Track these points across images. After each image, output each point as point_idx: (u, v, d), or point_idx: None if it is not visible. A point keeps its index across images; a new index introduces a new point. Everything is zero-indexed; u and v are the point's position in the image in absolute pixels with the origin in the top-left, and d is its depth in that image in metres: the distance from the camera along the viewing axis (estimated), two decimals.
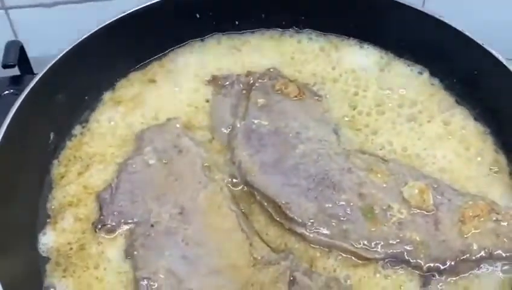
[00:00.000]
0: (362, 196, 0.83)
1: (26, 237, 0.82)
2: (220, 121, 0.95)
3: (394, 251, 0.79)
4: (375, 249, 0.79)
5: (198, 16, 1.05)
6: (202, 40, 1.08)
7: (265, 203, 0.85)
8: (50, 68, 0.91)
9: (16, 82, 1.09)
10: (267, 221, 0.84)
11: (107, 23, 0.98)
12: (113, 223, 0.82)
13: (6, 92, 1.06)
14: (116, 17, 0.98)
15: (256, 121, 0.94)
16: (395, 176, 0.86)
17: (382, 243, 0.79)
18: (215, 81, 1.01)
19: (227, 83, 1.00)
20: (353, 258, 0.80)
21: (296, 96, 0.97)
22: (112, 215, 0.83)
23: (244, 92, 0.99)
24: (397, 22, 1.02)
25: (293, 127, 0.93)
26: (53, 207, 0.87)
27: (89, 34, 0.95)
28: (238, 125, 0.93)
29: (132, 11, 0.99)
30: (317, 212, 0.82)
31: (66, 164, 0.92)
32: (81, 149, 0.94)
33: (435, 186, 0.84)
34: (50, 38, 1.12)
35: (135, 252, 0.79)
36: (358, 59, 1.04)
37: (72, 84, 0.96)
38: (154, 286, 0.75)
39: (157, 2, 1.01)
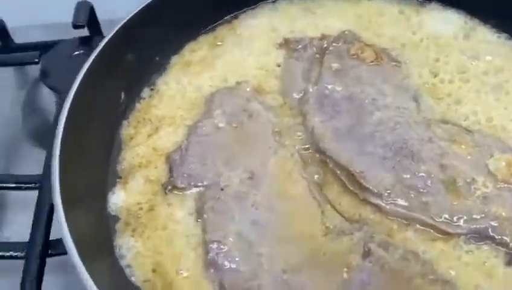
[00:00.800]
0: (444, 167, 0.79)
1: (96, 196, 0.83)
2: (292, 85, 0.92)
3: (478, 226, 0.74)
4: (457, 224, 0.74)
5: None
6: (274, 2, 1.04)
7: (338, 172, 0.82)
8: (120, 28, 0.91)
9: (86, 43, 1.10)
10: (340, 190, 0.80)
11: None
12: (183, 185, 0.81)
13: (77, 52, 1.07)
14: None
15: (329, 86, 0.90)
16: (480, 147, 0.81)
17: (465, 217, 0.75)
18: (287, 44, 0.97)
19: (300, 46, 0.97)
20: (432, 231, 0.75)
21: (372, 62, 0.93)
22: (182, 177, 0.82)
23: (317, 56, 0.96)
24: None
25: (369, 93, 0.89)
26: (123, 168, 0.87)
27: None
28: (311, 90, 0.90)
29: None
30: (395, 182, 0.78)
31: (135, 125, 0.92)
32: (150, 111, 0.93)
33: None
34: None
35: (205, 215, 0.78)
36: (440, 24, 0.98)
37: (142, 46, 0.94)
38: (224, 249, 0.74)
39: None
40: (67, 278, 0.87)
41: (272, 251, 0.74)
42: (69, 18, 1.12)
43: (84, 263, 0.67)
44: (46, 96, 1.14)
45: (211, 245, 0.75)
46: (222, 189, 0.80)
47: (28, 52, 1.14)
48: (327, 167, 0.83)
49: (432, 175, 0.78)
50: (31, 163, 1.00)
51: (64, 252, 0.80)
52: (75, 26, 1.08)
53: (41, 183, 0.89)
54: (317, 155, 0.84)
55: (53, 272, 0.85)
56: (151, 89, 0.96)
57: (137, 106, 0.94)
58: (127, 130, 0.92)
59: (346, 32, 0.97)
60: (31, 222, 0.87)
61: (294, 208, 0.78)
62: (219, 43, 1.01)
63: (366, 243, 0.73)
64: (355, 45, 0.95)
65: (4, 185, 0.90)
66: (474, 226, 0.74)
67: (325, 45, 0.96)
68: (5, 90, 1.16)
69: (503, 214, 0.75)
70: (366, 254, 0.73)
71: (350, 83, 0.90)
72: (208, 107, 0.91)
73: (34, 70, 1.14)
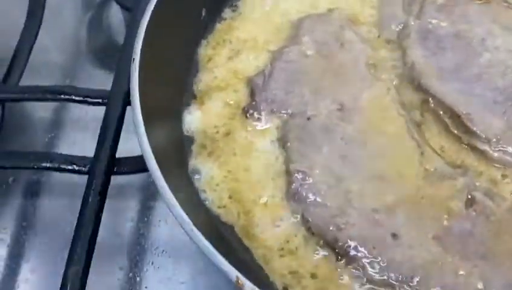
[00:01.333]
0: None
1: (173, 115, 0.78)
2: (390, 17, 0.85)
3: None
4: None
5: None
6: None
7: (441, 112, 0.74)
8: None
9: None
10: (441, 133, 0.73)
11: None
12: (266, 110, 0.75)
13: None
14: None
15: (434, 21, 0.82)
16: None
17: None
18: None
19: None
20: None
21: (481, 0, 0.83)
22: (265, 102, 0.76)
23: None
24: None
25: (478, 33, 0.81)
26: (200, 89, 0.81)
27: None
28: (412, 23, 0.83)
29: None
30: (506, 129, 0.71)
31: (214, 46, 0.85)
32: (231, 33, 0.86)
33: None
34: None
35: (289, 144, 0.72)
36: None
37: None
38: (309, 181, 0.68)
39: None
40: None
41: (363, 188, 0.68)
42: None
43: (163, 176, 0.61)
44: (114, 16, 1.09)
45: (296, 175, 0.68)
46: (309, 118, 0.74)
47: None
48: (428, 106, 0.75)
49: None
50: (97, 82, 0.93)
51: (131, 171, 0.77)
52: None
53: (108, 99, 0.83)
54: (417, 93, 0.76)
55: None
56: (233, 10, 0.89)
57: (218, 26, 0.88)
58: (205, 50, 0.85)
59: None
60: (92, 140, 0.81)
61: (389, 145, 0.71)
62: None
63: (471, 190, 0.66)
64: None
65: (69, 97, 0.85)
66: None
67: None
68: (71, 9, 1.11)
69: None
70: (470, 201, 0.65)
71: (456, 19, 0.82)
72: (295, 32, 0.84)
73: None
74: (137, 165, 0.76)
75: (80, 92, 0.86)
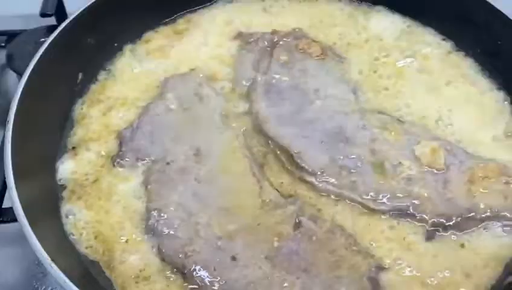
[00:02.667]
0: (374, 151, 0.85)
1: (47, 167, 0.87)
2: (242, 74, 0.99)
3: (400, 204, 0.80)
4: (381, 201, 0.81)
5: None
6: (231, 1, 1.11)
7: (279, 152, 0.87)
8: (82, 12, 0.96)
9: (53, 31, 1.13)
10: (280, 170, 0.86)
11: None
12: (131, 159, 0.86)
13: (43, 39, 1.10)
14: None
15: (277, 76, 0.96)
16: (409, 135, 0.87)
17: (389, 195, 0.81)
18: (240, 37, 1.04)
19: (252, 39, 1.03)
20: (360, 207, 0.81)
21: (318, 56, 1.00)
22: (131, 151, 0.87)
23: (268, 49, 1.01)
24: None
25: (312, 84, 0.96)
26: (73, 141, 0.91)
27: None
28: (259, 79, 0.96)
29: None
30: (328, 163, 0.84)
31: (89, 104, 0.96)
32: (104, 92, 0.98)
33: (448, 148, 0.86)
34: None
35: (149, 186, 0.83)
36: (384, 26, 1.05)
37: (102, 31, 0.99)
38: (163, 217, 0.79)
39: None
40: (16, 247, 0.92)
41: (210, 220, 0.79)
42: (34, 10, 1.14)
43: (32, 227, 0.71)
44: (12, 80, 1.17)
45: (152, 212, 0.79)
46: (168, 163, 0.85)
47: None
48: (269, 148, 0.88)
49: (363, 157, 0.84)
50: None
51: (14, 219, 0.85)
52: (43, 15, 1.12)
53: None
54: (260, 137, 0.89)
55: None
56: (108, 72, 1.00)
57: (93, 86, 0.99)
58: (81, 108, 0.96)
59: (297, 30, 1.04)
60: None
61: (234, 182, 0.83)
62: (177, 33, 1.06)
63: (298, 216, 0.79)
64: (303, 40, 1.01)
65: None
66: (397, 203, 0.80)
67: (276, 39, 1.02)
68: None
69: (425, 194, 0.81)
70: (297, 225, 0.78)
71: (296, 74, 0.97)
72: (161, 90, 0.96)
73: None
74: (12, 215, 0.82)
75: None
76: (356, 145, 0.86)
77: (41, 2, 1.15)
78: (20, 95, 0.84)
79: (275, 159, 0.88)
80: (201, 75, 0.98)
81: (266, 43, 1.02)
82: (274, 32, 1.04)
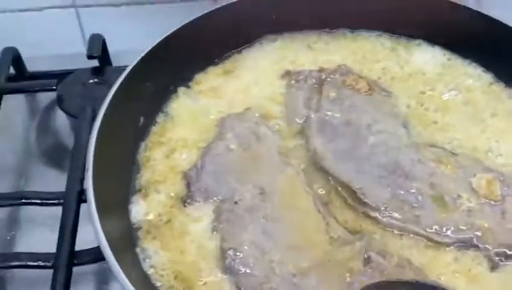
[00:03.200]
0: (433, 185, 0.89)
1: (120, 208, 0.91)
2: (294, 112, 1.03)
3: (464, 236, 0.84)
4: (445, 234, 0.85)
5: (274, 16, 1.14)
6: (275, 41, 1.16)
7: (340, 188, 0.91)
8: (139, 60, 1.00)
9: (98, 72, 1.20)
10: (342, 205, 0.90)
11: (190, 20, 1.07)
12: (200, 199, 0.90)
13: (90, 80, 1.18)
14: (200, 15, 1.07)
15: (329, 113, 1.01)
16: (464, 168, 0.92)
17: (452, 228, 0.85)
18: (288, 75, 1.08)
19: (301, 77, 1.07)
20: (424, 240, 0.85)
21: (365, 92, 1.04)
22: (199, 191, 0.91)
23: (316, 86, 1.06)
24: (463, 26, 1.08)
25: (364, 120, 1.00)
26: (142, 183, 0.95)
27: (176, 29, 1.04)
28: (312, 116, 1.01)
29: (213, 10, 1.09)
30: (390, 198, 0.89)
31: (152, 147, 1.00)
32: (165, 135, 1.02)
33: (502, 179, 0.90)
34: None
35: (221, 225, 0.86)
36: (425, 59, 1.10)
37: (158, 75, 1.04)
38: (239, 255, 0.82)
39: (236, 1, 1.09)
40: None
41: (283, 258, 0.83)
42: (76, 49, 1.26)
43: (118, 264, 0.75)
44: (59, 120, 1.23)
45: (228, 252, 0.83)
46: (236, 202, 0.89)
47: (43, 80, 1.23)
48: (329, 184, 0.92)
49: (423, 192, 0.88)
50: (49, 180, 1.08)
51: (89, 261, 0.91)
52: (90, 57, 1.18)
53: (64, 199, 0.96)
54: (321, 174, 0.93)
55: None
56: (165, 114, 1.05)
57: (154, 129, 1.03)
58: (144, 151, 1.00)
59: (342, 66, 1.08)
60: (50, 234, 0.95)
61: (301, 220, 0.87)
62: (226, 74, 1.11)
63: (366, 251, 0.83)
64: (350, 76, 1.06)
65: (30, 201, 0.98)
66: (461, 236, 0.84)
67: (323, 77, 1.07)
68: (19, 114, 1.25)
69: (486, 225, 0.85)
70: (367, 261, 0.82)
71: (347, 110, 1.01)
72: (219, 130, 1.00)
73: (45, 97, 1.25)
74: (95, 255, 0.89)
75: (39, 195, 0.99)
76: (415, 180, 0.90)
77: (87, 44, 1.21)
78: (95, 142, 0.88)
79: (336, 195, 0.91)
80: (256, 114, 1.02)
81: (314, 80, 1.07)
82: (321, 69, 1.08)
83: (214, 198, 0.91)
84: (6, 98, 1.16)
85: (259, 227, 0.86)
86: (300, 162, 0.95)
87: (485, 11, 1.06)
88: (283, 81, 1.08)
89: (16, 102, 1.23)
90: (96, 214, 0.79)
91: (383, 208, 0.87)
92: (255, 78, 1.09)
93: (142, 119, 1.01)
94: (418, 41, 1.13)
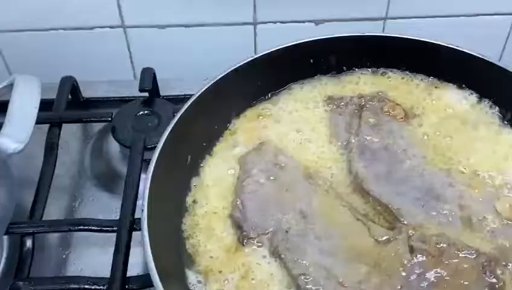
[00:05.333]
0: (462, 207, 1.05)
1: (173, 243, 1.01)
2: (337, 136, 1.18)
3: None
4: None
5: (312, 61, 1.26)
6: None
7: (379, 208, 1.06)
8: (191, 104, 1.10)
9: (148, 104, 1.33)
10: (379, 222, 1.04)
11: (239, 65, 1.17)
12: (255, 235, 1.02)
13: (141, 112, 1.31)
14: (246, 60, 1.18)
15: (368, 138, 1.16)
16: (490, 192, 1.06)
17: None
18: (331, 101, 1.24)
19: (342, 103, 1.23)
20: None
21: (402, 118, 1.18)
22: (251, 229, 1.03)
23: (356, 111, 1.22)
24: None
25: (400, 145, 1.16)
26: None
27: (223, 74, 1.15)
28: (353, 141, 1.16)
29: (258, 56, 1.19)
30: (424, 218, 1.03)
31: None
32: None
33: None
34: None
35: (282, 255, 0.99)
36: (455, 98, 1.23)
37: (205, 117, 1.15)
38: (309, 278, 0.95)
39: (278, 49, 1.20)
40: None
41: (344, 269, 0.96)
42: (126, 76, 1.38)
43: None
44: (111, 147, 1.35)
45: (299, 277, 0.95)
46: (287, 231, 1.02)
47: (98, 108, 1.38)
48: (368, 204, 1.07)
49: (453, 213, 1.04)
50: (101, 204, 1.21)
51: (141, 287, 0.99)
52: (142, 90, 1.31)
53: (118, 227, 1.06)
54: (358, 195, 1.08)
55: None
56: (211, 155, 1.17)
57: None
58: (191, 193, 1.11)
59: (380, 93, 1.24)
60: (103, 255, 1.09)
61: (346, 231, 1.02)
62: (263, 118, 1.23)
63: (409, 242, 0.97)
64: (388, 103, 1.22)
65: (87, 227, 1.09)
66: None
67: (363, 103, 1.22)
68: (74, 139, 1.37)
69: (507, 245, 1.00)
70: (411, 249, 0.97)
71: (385, 135, 1.18)
72: (243, 168, 1.13)
73: (98, 124, 1.38)
74: (145, 282, 0.99)
75: (95, 222, 1.10)
76: (446, 201, 1.05)
77: (139, 78, 1.34)
78: (149, 189, 0.97)
79: (374, 213, 1.06)
80: (272, 146, 1.15)
81: (354, 106, 1.23)
82: (360, 95, 1.24)
83: (266, 231, 1.03)
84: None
85: (315, 248, 1.00)
86: (326, 181, 1.09)
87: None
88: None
89: (71, 127, 1.36)
90: (150, 252, 0.88)
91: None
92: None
93: (189, 158, 1.12)
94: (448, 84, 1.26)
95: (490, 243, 1.00)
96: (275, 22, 1.42)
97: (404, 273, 0.95)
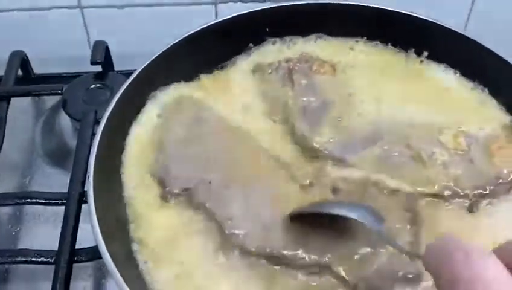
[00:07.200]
0: (409, 146, 1.07)
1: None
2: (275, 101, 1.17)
3: (445, 184, 1.02)
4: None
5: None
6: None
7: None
8: (144, 68, 1.08)
9: (100, 77, 1.31)
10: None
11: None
12: (178, 190, 1.00)
13: (93, 86, 1.29)
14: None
15: (305, 99, 1.16)
16: (429, 129, 1.10)
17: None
18: (260, 69, 1.22)
19: (270, 70, 1.21)
20: None
21: (330, 74, 1.19)
22: (174, 184, 1.00)
23: (286, 76, 1.21)
24: None
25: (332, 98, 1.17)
26: None
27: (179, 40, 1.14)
28: (290, 103, 1.15)
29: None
30: (377, 161, 1.05)
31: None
32: None
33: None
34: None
35: (207, 205, 0.97)
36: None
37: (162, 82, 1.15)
38: (236, 222, 0.94)
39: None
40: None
41: (269, 213, 0.97)
42: (81, 53, 1.33)
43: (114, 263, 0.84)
44: (63, 123, 1.34)
45: (227, 221, 0.94)
46: (210, 182, 1.01)
47: (50, 83, 1.35)
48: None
49: (404, 153, 1.06)
50: (52, 180, 1.20)
51: (88, 260, 0.99)
52: (93, 63, 1.30)
53: (67, 200, 1.05)
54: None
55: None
56: None
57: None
58: None
59: (304, 54, 1.25)
60: (52, 231, 1.06)
61: (270, 179, 1.02)
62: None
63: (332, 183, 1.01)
64: (315, 62, 1.22)
65: (35, 200, 1.08)
66: (443, 184, 1.03)
67: (291, 66, 1.21)
68: (25, 115, 1.35)
69: (459, 172, 1.04)
70: (333, 190, 1.00)
71: (320, 92, 1.17)
72: (165, 125, 1.10)
73: (50, 100, 1.37)
74: (94, 254, 0.98)
75: (44, 196, 1.09)
76: (394, 143, 1.07)
77: (91, 51, 1.32)
78: (97, 149, 0.96)
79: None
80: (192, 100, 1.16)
81: (283, 70, 1.22)
82: (288, 59, 1.24)
83: (189, 185, 1.01)
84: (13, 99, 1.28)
85: (240, 196, 0.99)
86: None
87: None
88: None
89: (22, 102, 1.35)
90: (95, 215, 0.87)
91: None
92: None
93: None
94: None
95: (445, 175, 1.03)
96: (235, 2, 1.44)
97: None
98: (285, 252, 0.92)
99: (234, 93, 1.19)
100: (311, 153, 1.07)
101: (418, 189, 1.01)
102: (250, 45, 1.25)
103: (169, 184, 1.01)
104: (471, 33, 1.19)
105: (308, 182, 1.01)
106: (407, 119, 1.12)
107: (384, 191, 0.99)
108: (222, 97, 1.17)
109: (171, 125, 1.10)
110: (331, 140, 1.08)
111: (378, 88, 1.18)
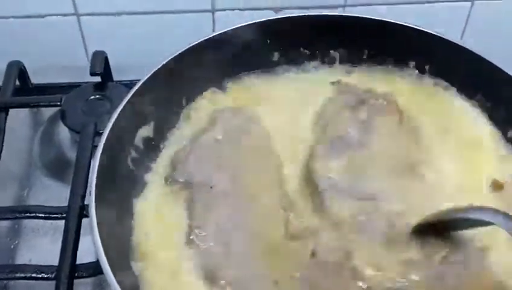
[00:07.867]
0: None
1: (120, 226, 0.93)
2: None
3: None
4: None
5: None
6: None
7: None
8: (144, 82, 1.01)
9: (100, 88, 1.28)
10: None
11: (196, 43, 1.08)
12: (182, 179, 0.97)
13: (92, 96, 1.26)
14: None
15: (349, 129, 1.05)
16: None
17: None
18: (339, 84, 1.13)
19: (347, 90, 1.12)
20: None
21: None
22: (182, 174, 0.98)
23: (353, 104, 1.09)
24: None
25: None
26: None
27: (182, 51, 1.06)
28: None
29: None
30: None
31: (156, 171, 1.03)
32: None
33: None
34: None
35: (193, 204, 0.94)
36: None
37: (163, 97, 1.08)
38: (203, 234, 0.89)
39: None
40: None
41: (240, 243, 0.90)
42: (79, 62, 1.34)
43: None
44: (61, 134, 1.30)
45: (195, 230, 0.90)
46: (211, 187, 0.97)
47: (48, 94, 1.30)
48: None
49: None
50: (50, 192, 1.16)
51: (89, 275, 0.94)
52: (92, 74, 1.25)
53: (67, 214, 1.00)
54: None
55: None
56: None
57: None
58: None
59: (389, 94, 1.11)
60: (52, 245, 1.03)
61: (264, 212, 0.94)
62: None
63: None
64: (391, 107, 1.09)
65: (35, 215, 1.03)
66: None
67: (366, 97, 1.10)
68: (23, 126, 1.31)
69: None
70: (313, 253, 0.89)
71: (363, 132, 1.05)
72: (211, 122, 1.07)
73: (49, 111, 1.32)
74: (95, 269, 0.94)
75: (44, 210, 1.05)
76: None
77: (90, 61, 1.29)
78: (98, 164, 0.90)
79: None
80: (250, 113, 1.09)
81: (356, 97, 1.11)
82: (368, 90, 1.13)
83: (193, 180, 0.98)
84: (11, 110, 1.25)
85: (226, 213, 0.94)
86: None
87: None
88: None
89: (20, 113, 1.31)
90: (99, 238, 0.81)
91: None
92: None
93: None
94: None
95: None
96: (233, 9, 1.36)
97: (297, 273, 0.86)
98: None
99: None
100: (311, 188, 0.96)
101: None
102: None
103: (178, 170, 1.00)
104: None
105: (296, 234, 0.91)
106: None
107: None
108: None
109: (216, 122, 1.05)
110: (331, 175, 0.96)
111: None
